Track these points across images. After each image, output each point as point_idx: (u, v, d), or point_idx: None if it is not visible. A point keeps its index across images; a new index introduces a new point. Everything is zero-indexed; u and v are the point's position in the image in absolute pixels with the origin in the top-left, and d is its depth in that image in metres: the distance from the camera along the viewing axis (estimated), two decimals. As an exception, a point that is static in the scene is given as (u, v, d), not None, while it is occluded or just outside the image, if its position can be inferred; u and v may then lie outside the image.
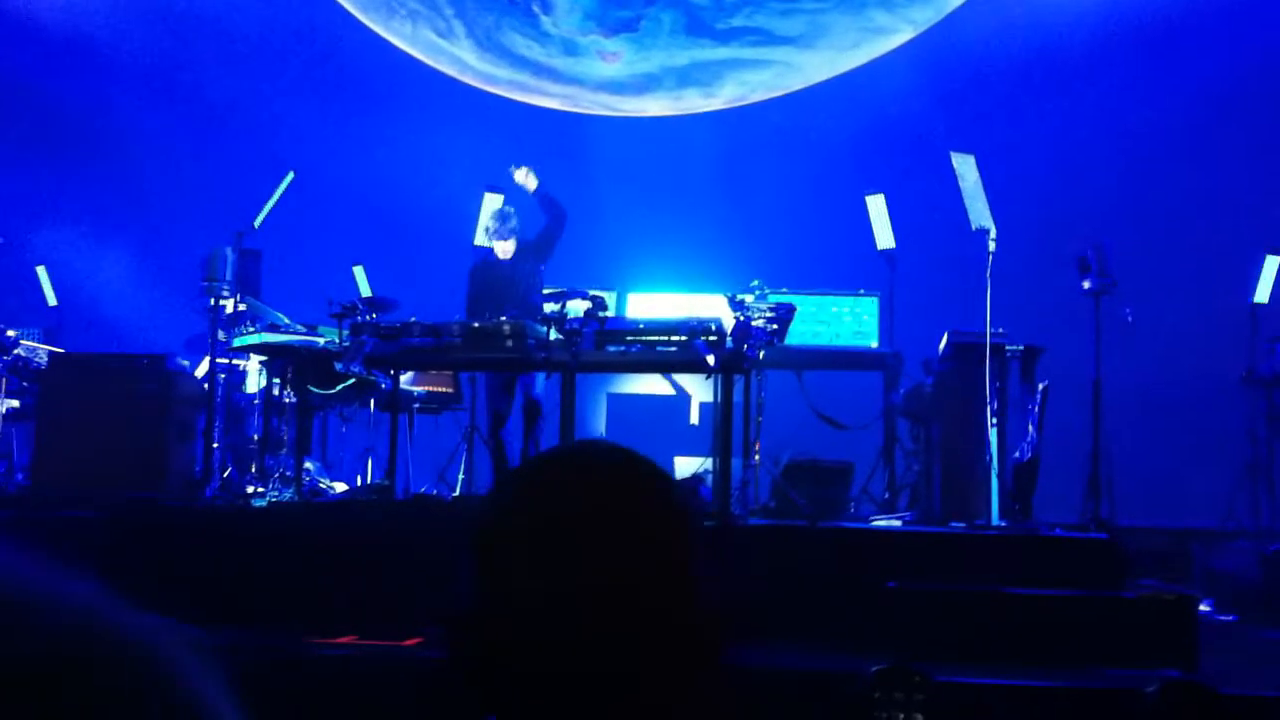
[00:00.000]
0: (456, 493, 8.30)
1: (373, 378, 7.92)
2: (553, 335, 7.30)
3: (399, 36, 13.11)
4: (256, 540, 6.83)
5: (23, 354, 8.78)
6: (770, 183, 12.04)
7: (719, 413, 7.41)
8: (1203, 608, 6.43)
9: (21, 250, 11.00)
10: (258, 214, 8.06)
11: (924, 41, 12.56)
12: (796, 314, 7.61)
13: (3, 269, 10.51)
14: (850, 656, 5.71)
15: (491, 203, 8.52)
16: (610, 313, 7.51)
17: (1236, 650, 6.52)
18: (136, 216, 12.12)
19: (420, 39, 13.11)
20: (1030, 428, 7.25)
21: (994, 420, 7.27)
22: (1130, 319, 7.94)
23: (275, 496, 7.64)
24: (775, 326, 7.28)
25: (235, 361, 8.53)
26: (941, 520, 7.31)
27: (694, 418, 9.25)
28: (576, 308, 7.36)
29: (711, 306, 8.04)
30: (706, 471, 7.81)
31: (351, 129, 12.51)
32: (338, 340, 7.62)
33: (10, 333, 8.67)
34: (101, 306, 11.25)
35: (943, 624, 6.02)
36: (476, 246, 8.55)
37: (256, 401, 8.50)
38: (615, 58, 12.93)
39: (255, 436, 8.38)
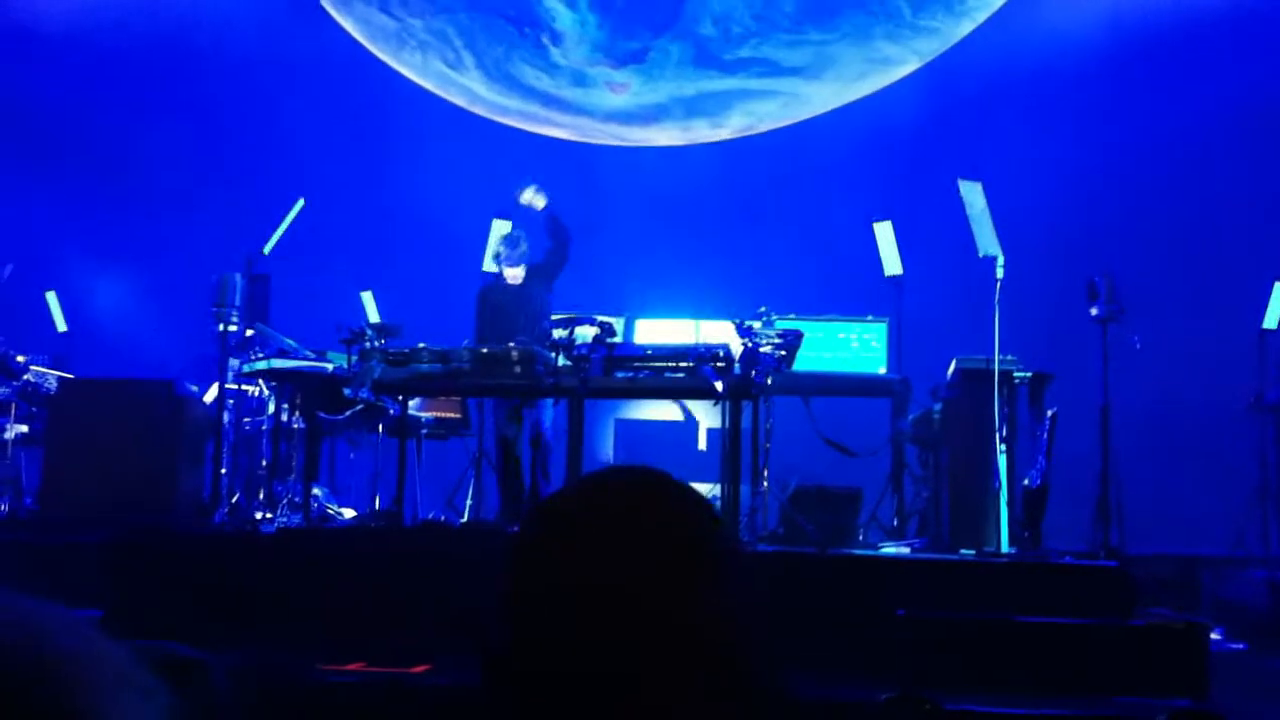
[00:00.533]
0: (465, 518, 8.30)
1: (381, 403, 7.93)
2: (561, 361, 7.31)
3: (409, 67, 13.21)
4: (265, 566, 6.82)
5: (32, 379, 8.81)
6: (778, 209, 12.07)
7: (727, 439, 7.41)
8: (1213, 636, 6.39)
9: (31, 276, 11.04)
10: (268, 240, 8.09)
11: (931, 69, 12.61)
12: (804, 340, 7.61)
13: (13, 295, 10.54)
14: (860, 684, 5.69)
15: (500, 229, 8.54)
16: (618, 339, 7.52)
17: (1247, 680, 6.49)
18: (146, 242, 12.15)
19: (430, 70, 13.20)
20: (1039, 454, 7.23)
21: (1003, 447, 7.26)
22: (1139, 345, 7.93)
23: (284, 522, 7.64)
24: (783, 352, 7.28)
25: (244, 387, 8.55)
26: (950, 547, 7.29)
27: (702, 444, 9.24)
28: (585, 333, 7.37)
29: (719, 332, 8.04)
30: (715, 498, 7.80)
31: (361, 156, 12.56)
32: (346, 366, 7.63)
33: (20, 358, 8.70)
34: (111, 332, 11.28)
35: (952, 652, 6.00)
36: (485, 272, 8.57)
37: (265, 427, 8.51)
38: (623, 88, 13.01)
39: (264, 462, 8.39)
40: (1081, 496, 7.42)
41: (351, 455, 9.24)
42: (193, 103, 12.56)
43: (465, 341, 7.85)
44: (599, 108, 13.18)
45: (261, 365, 7.98)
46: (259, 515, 7.85)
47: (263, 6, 12.81)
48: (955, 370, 7.72)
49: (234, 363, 8.07)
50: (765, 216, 12.09)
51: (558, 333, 7.39)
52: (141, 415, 8.02)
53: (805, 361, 7.96)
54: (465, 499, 8.50)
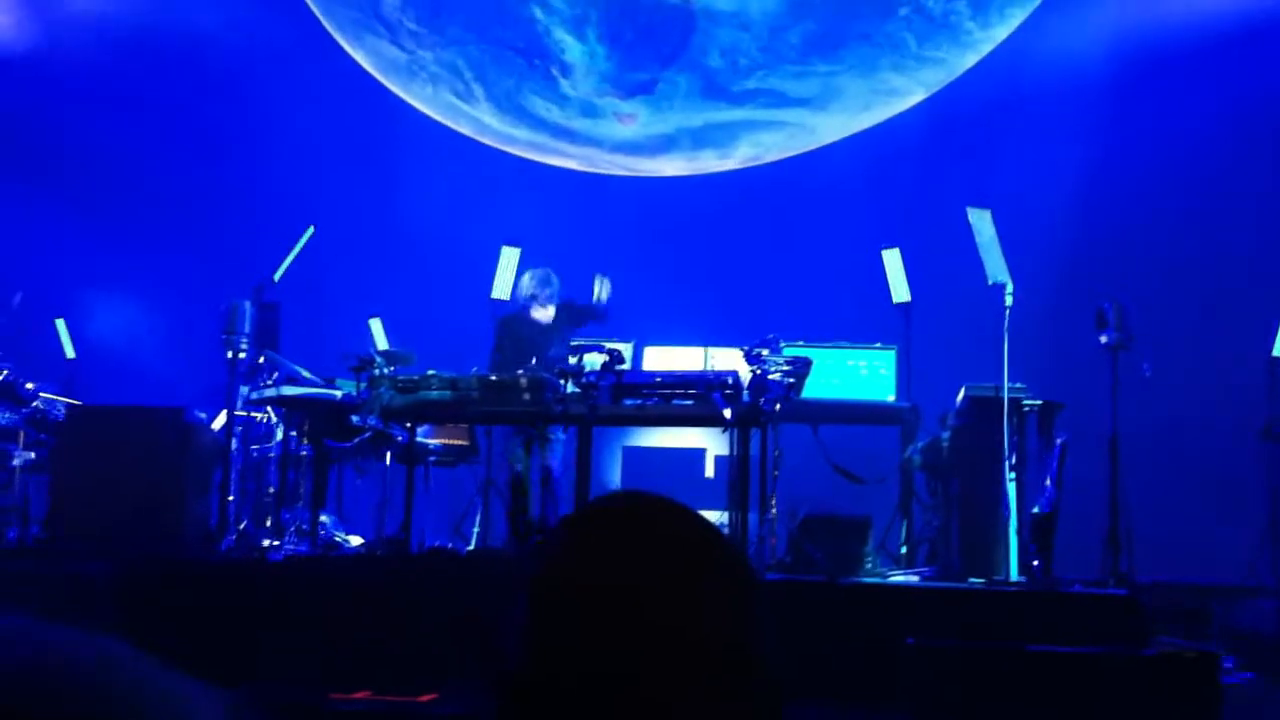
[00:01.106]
0: (472, 546, 8.29)
1: (389, 430, 7.94)
2: (570, 388, 7.32)
3: (419, 99, 13.32)
4: (272, 593, 6.82)
5: (41, 406, 8.81)
6: (786, 236, 12.09)
7: (735, 466, 7.40)
8: (1224, 665, 6.35)
9: (41, 303, 11.06)
10: (278, 268, 8.11)
11: (939, 97, 12.65)
12: (813, 367, 7.61)
13: (22, 322, 10.56)
14: (869, 714, 5.68)
15: (509, 256, 8.55)
16: (627, 366, 7.53)
17: (1259, 709, 6.45)
18: (156, 270, 12.18)
19: (440, 101, 13.31)
20: (1049, 483, 7.21)
21: (1012, 475, 7.24)
22: (1149, 373, 7.91)
23: (291, 550, 7.64)
24: (792, 380, 7.28)
25: (253, 414, 8.55)
26: (960, 576, 7.26)
27: (709, 471, 9.22)
28: (593, 361, 7.38)
29: (728, 360, 8.05)
30: (723, 526, 7.78)
31: (370, 184, 12.61)
32: (355, 393, 7.64)
33: (29, 385, 8.71)
34: (120, 359, 11.29)
35: (962, 681, 5.97)
36: (494, 299, 8.58)
37: (273, 454, 8.51)
38: (632, 119, 13.10)
39: (272, 489, 8.39)
40: (1091, 525, 7.38)
41: (359, 482, 9.24)
42: (202, 130, 12.61)
43: (474, 369, 7.86)
44: (607, 139, 13.28)
45: (270, 392, 7.99)
46: (266, 543, 7.84)
47: (273, 35, 12.88)
48: (964, 398, 7.70)
49: (243, 390, 8.07)
50: (774, 244, 12.10)
51: (567, 360, 7.42)
52: (149, 442, 8.01)
53: (814, 389, 7.96)
54: (473, 527, 8.49)
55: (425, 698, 5.87)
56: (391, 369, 7.56)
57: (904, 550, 8.15)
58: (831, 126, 12.99)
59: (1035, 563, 7.09)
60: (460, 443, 8.88)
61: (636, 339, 8.81)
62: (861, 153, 12.58)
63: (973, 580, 7.08)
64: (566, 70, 12.99)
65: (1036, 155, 11.45)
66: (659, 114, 13.05)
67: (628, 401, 7.35)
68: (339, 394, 7.92)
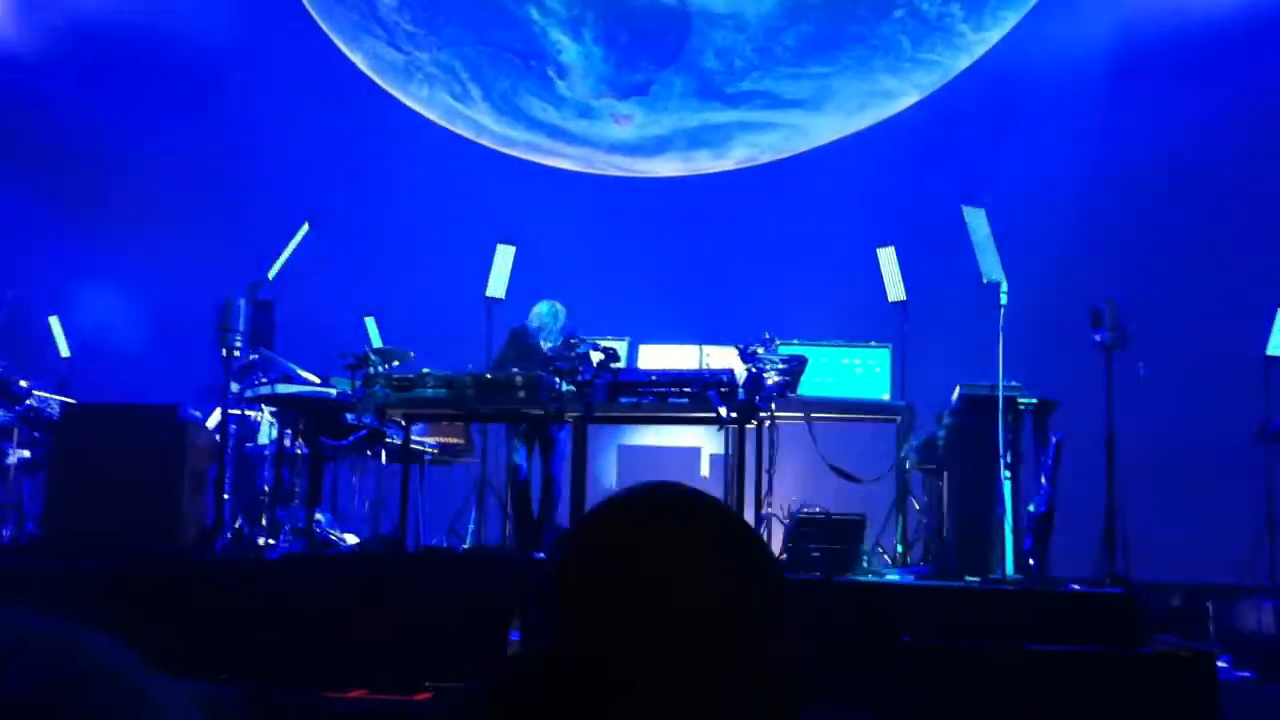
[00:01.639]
0: (467, 544, 8.28)
1: (384, 429, 7.93)
2: (565, 387, 7.32)
3: (416, 100, 13.34)
4: (267, 592, 6.81)
5: (35, 404, 8.79)
6: (781, 234, 12.10)
7: (731, 465, 7.40)
8: (1219, 664, 6.36)
9: (34, 301, 11.04)
10: (272, 265, 8.10)
11: (935, 95, 12.67)
12: (808, 366, 7.62)
13: (16, 319, 10.54)
14: (864, 712, 5.67)
15: (504, 254, 8.55)
16: (622, 364, 7.52)
17: (1256, 708, 6.45)
18: (149, 267, 12.17)
19: (437, 102, 13.32)
20: (1044, 481, 7.21)
21: (1007, 473, 7.24)
22: (1143, 373, 7.92)
23: (286, 548, 7.62)
24: (787, 378, 7.29)
25: (248, 412, 8.54)
26: (955, 574, 7.26)
27: (704, 469, 9.23)
28: (589, 359, 7.38)
29: (723, 358, 8.05)
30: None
31: (365, 181, 12.61)
32: (350, 391, 7.63)
33: (23, 383, 8.69)
34: (114, 357, 11.27)
35: (957, 679, 5.97)
36: (489, 298, 8.57)
37: (268, 453, 8.50)
38: (628, 120, 13.13)
39: (267, 487, 8.38)
40: (1087, 524, 7.38)
41: (354, 481, 9.23)
42: (197, 127, 12.59)
43: (469, 367, 7.86)
44: (604, 139, 13.31)
45: (265, 390, 7.98)
46: (261, 541, 7.83)
47: (269, 34, 12.88)
48: (959, 396, 7.70)
49: (237, 388, 8.06)
50: (769, 242, 12.11)
51: (562, 359, 7.41)
52: (144, 440, 7.99)
53: (809, 387, 7.96)
54: (468, 525, 8.49)
55: (420, 696, 5.86)
56: (387, 367, 7.56)
57: (899, 549, 8.15)
58: (826, 128, 13.03)
59: (1031, 561, 7.09)
60: (455, 441, 8.87)
61: (632, 337, 8.80)
62: (857, 151, 12.60)
63: (968, 579, 7.08)
64: (563, 71, 13.02)
65: (1032, 154, 11.46)
66: (654, 115, 13.09)
67: (623, 400, 7.36)
68: (334, 392, 7.91)
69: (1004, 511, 7.17)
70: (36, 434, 8.87)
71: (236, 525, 8.08)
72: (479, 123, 13.37)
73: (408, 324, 9.92)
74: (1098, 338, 7.45)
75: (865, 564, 7.63)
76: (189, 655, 5.22)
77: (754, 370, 7.18)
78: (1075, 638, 6.13)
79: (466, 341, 8.72)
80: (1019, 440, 7.43)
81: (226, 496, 7.94)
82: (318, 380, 8.16)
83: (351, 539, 8.50)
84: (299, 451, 8.34)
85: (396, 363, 7.68)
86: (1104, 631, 6.21)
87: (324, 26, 13.23)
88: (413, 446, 8.12)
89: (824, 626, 6.28)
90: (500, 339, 8.49)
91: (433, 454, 8.87)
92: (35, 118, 12.31)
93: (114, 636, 0.82)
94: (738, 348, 7.39)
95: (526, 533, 8.00)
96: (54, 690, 0.74)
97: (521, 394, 7.39)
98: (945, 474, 7.93)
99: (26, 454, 8.90)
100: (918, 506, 8.27)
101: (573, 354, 7.38)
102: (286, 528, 7.96)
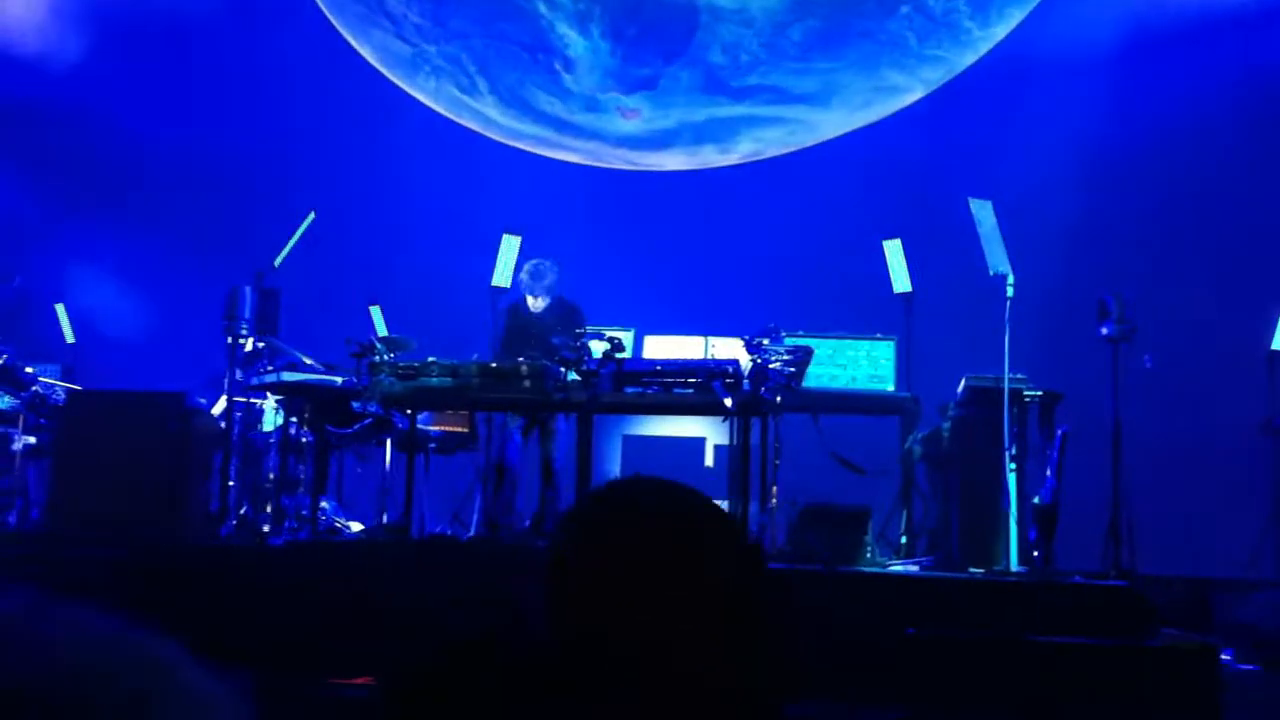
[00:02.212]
0: (472, 533, 8.29)
1: (390, 417, 7.93)
2: (571, 376, 7.32)
3: (423, 92, 13.36)
4: (273, 579, 6.82)
5: (41, 391, 8.80)
6: (787, 225, 12.08)
7: (736, 455, 7.40)
8: (1223, 657, 6.36)
9: (40, 288, 11.05)
10: (278, 254, 8.10)
11: (942, 87, 12.66)
12: (814, 357, 7.61)
13: (22, 306, 10.56)
14: (869, 704, 5.68)
15: (510, 244, 8.54)
16: (627, 354, 7.52)
17: (1260, 701, 6.45)
18: (156, 254, 12.16)
19: (444, 95, 13.34)
20: (1049, 473, 7.21)
21: (1013, 465, 7.24)
22: (1150, 365, 7.91)
23: (291, 535, 7.63)
24: (792, 369, 7.27)
25: (253, 400, 8.55)
26: (960, 566, 7.26)
27: (709, 460, 9.22)
28: (594, 349, 7.38)
29: (729, 349, 8.04)
30: (723, 514, 7.76)
31: (371, 169, 12.61)
32: (356, 379, 7.63)
33: (29, 369, 8.70)
34: (120, 344, 11.28)
35: (961, 671, 5.97)
36: (494, 287, 8.57)
37: (273, 440, 8.50)
38: (635, 114, 13.15)
39: (272, 475, 8.38)
40: (1092, 516, 7.38)
41: (359, 469, 9.23)
42: (203, 115, 12.59)
43: (475, 356, 7.85)
44: (610, 133, 13.33)
45: (271, 378, 7.98)
46: (267, 528, 7.84)
47: (273, 22, 12.88)
48: (965, 388, 7.70)
49: (242, 376, 8.07)
50: (775, 233, 12.10)
51: (567, 348, 7.40)
52: (150, 427, 7.99)
53: (814, 378, 7.96)
54: (473, 513, 8.49)
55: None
56: (392, 355, 7.56)
57: (904, 540, 8.15)
58: (832, 122, 13.04)
59: (1036, 554, 7.09)
60: (460, 430, 8.87)
61: (637, 327, 8.80)
62: (863, 143, 12.60)
63: (973, 571, 7.08)
64: (570, 65, 13.02)
65: (1039, 146, 11.44)
66: (661, 109, 13.10)
67: (628, 389, 7.35)
68: (339, 380, 7.92)
69: (1009, 504, 7.17)
70: (42, 420, 8.87)
71: (241, 512, 8.09)
72: (486, 115, 13.39)
73: (413, 313, 9.91)
74: (1104, 330, 7.45)
75: (869, 555, 7.63)
76: (194, 642, 5.23)
77: (759, 361, 7.18)
78: (1079, 630, 6.13)
79: (472, 331, 8.71)
80: (1024, 432, 7.42)
81: (232, 484, 7.94)
82: (322, 368, 8.16)
83: (356, 527, 8.51)
84: (304, 439, 8.35)
85: (402, 351, 7.67)
86: (1108, 624, 6.21)
87: (332, 19, 13.24)
88: (417, 435, 8.13)
89: (828, 618, 6.29)
90: (503, 326, 8.50)
91: (437, 442, 8.88)
92: (40, 108, 12.31)
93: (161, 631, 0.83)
94: (743, 339, 7.38)
95: (495, 523, 8.01)
96: (102, 684, 0.74)
97: (527, 383, 7.39)
98: (950, 466, 7.93)
99: (32, 440, 8.90)
100: (922, 498, 8.26)
101: (578, 344, 7.38)
102: (291, 515, 7.97)
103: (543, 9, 12.82)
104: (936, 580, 6.92)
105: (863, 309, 9.49)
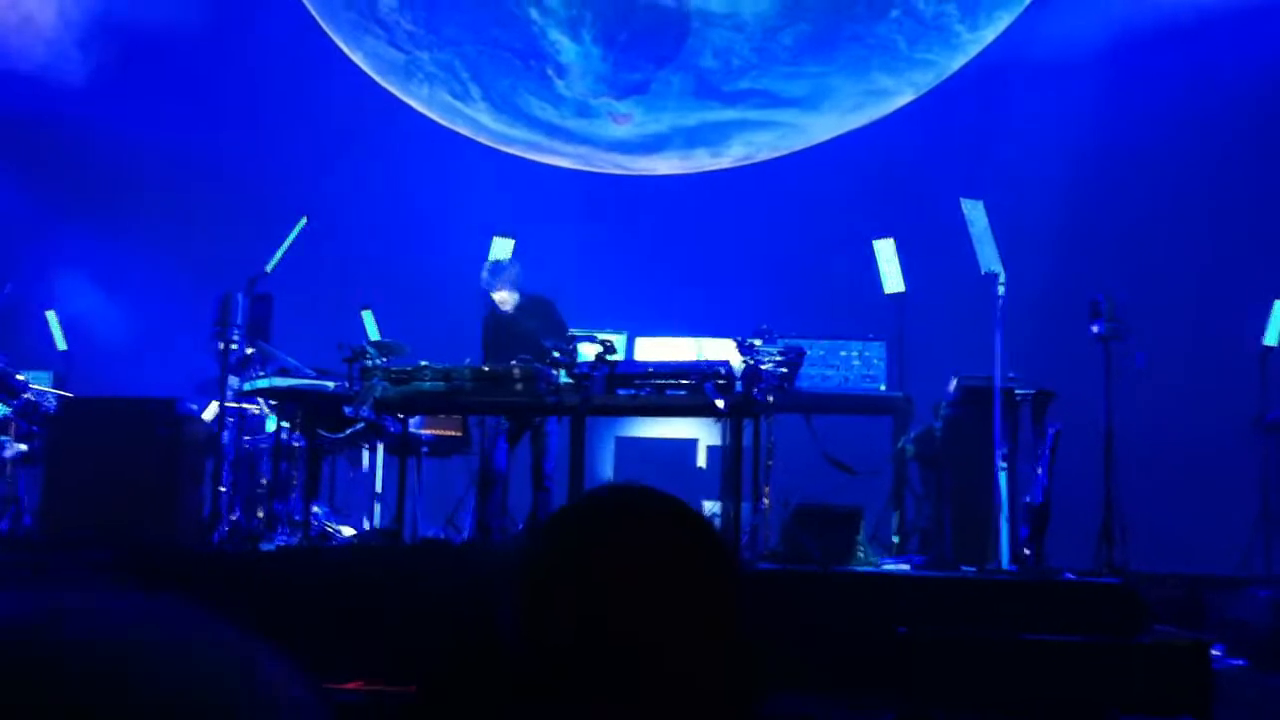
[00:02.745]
0: (465, 537, 8.28)
1: (382, 422, 7.92)
2: (563, 379, 7.31)
3: (416, 99, 13.39)
4: (264, 584, 6.80)
5: (32, 398, 8.78)
6: (779, 226, 12.11)
7: (728, 457, 7.40)
8: (1214, 653, 6.36)
9: (32, 295, 11.04)
10: (270, 259, 8.09)
11: (934, 87, 12.70)
12: (806, 358, 7.61)
13: (13, 313, 10.54)
14: (862, 704, 5.67)
15: (502, 246, 8.56)
16: (620, 356, 7.52)
17: (1250, 698, 6.46)
18: (148, 260, 12.16)
19: (437, 101, 13.37)
20: (1041, 472, 7.21)
21: (1004, 465, 7.25)
22: (1142, 364, 7.92)
23: (283, 541, 7.62)
24: (785, 370, 7.27)
25: (245, 406, 8.54)
26: (952, 565, 7.27)
27: (702, 461, 9.22)
28: (586, 351, 7.38)
29: (721, 350, 8.04)
30: (715, 516, 7.77)
31: (362, 174, 12.62)
32: (348, 384, 7.62)
33: (20, 376, 8.68)
34: (111, 350, 11.27)
35: (955, 670, 5.97)
36: (485, 291, 8.58)
37: (265, 445, 8.49)
38: (626, 119, 13.17)
39: (264, 480, 8.37)
40: (1084, 515, 7.39)
41: (351, 474, 9.22)
42: (195, 121, 12.59)
43: (467, 360, 7.85)
44: (602, 138, 13.36)
45: (262, 383, 7.97)
46: (258, 534, 7.82)
47: (265, 27, 12.89)
48: (957, 388, 7.71)
49: (235, 381, 8.06)
50: (767, 234, 12.13)
51: (559, 351, 7.40)
52: (142, 434, 8.00)
53: (807, 379, 7.97)
54: (466, 518, 8.48)
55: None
56: (384, 360, 7.55)
57: (896, 540, 8.16)
58: (823, 126, 13.08)
59: (1027, 552, 7.09)
60: (453, 434, 8.86)
61: (629, 329, 8.81)
62: (855, 143, 12.63)
63: (965, 569, 7.09)
64: (562, 71, 13.05)
65: (1030, 146, 11.47)
66: (653, 114, 13.13)
67: (621, 392, 7.34)
68: (331, 385, 7.91)
69: (1001, 502, 7.18)
70: (34, 427, 8.85)
71: (234, 518, 8.08)
72: (479, 121, 13.42)
73: (405, 317, 9.92)
74: (1095, 329, 7.46)
75: (862, 555, 7.63)
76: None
77: (751, 362, 7.17)
78: (1072, 628, 6.14)
79: (464, 334, 8.71)
80: (1016, 431, 7.43)
81: (224, 489, 7.94)
82: (314, 373, 8.15)
83: (348, 531, 8.50)
84: (296, 444, 8.33)
85: (394, 355, 7.67)
86: (1100, 621, 6.21)
87: (324, 26, 13.26)
88: (410, 439, 8.12)
89: (821, 617, 6.29)
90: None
91: (430, 447, 8.87)
92: (31, 115, 12.29)
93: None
94: (735, 340, 7.37)
95: (485, 528, 8.00)
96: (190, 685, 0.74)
97: (519, 386, 7.38)
98: (942, 465, 7.94)
99: (23, 447, 8.89)
100: (915, 497, 8.27)
101: (570, 347, 7.38)
102: (284, 520, 7.96)
103: (534, 15, 12.84)
104: (929, 579, 6.92)
105: (855, 309, 9.50)
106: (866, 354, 8.45)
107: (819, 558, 7.04)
